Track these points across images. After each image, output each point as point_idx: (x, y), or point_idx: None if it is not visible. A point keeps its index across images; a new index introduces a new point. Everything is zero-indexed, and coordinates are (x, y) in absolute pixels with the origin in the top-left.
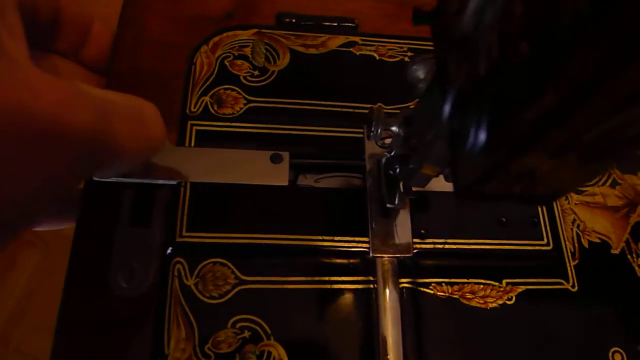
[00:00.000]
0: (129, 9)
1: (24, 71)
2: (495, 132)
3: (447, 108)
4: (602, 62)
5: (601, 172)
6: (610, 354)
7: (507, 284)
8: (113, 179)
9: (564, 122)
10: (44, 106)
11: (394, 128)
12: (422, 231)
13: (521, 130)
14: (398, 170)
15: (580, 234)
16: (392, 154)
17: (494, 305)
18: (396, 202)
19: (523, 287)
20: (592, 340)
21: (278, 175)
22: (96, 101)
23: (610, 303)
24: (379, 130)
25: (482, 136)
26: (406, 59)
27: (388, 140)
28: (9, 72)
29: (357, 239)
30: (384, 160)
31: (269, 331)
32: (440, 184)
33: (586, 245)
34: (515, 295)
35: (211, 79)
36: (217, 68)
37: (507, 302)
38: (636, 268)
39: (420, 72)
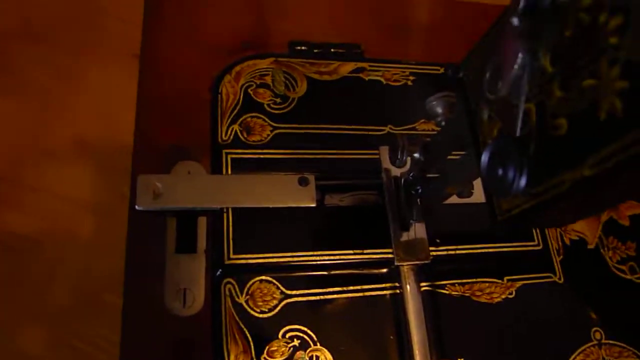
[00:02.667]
0: (148, 43)
1: None
2: (533, 184)
3: (485, 158)
4: (635, 154)
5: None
6: (592, 333)
7: (508, 280)
8: (157, 208)
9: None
10: None
11: (415, 155)
12: (437, 240)
13: (555, 188)
14: (420, 190)
15: (563, 233)
16: (411, 175)
17: (499, 299)
18: (415, 217)
19: (520, 283)
20: (577, 322)
21: (306, 197)
22: None
23: (589, 291)
24: (404, 157)
25: (523, 181)
26: (409, 82)
27: (407, 159)
28: None
29: (382, 250)
30: (402, 180)
31: (315, 338)
32: (451, 198)
33: (568, 242)
34: (515, 290)
35: (238, 107)
36: (242, 97)
37: (509, 296)
38: (607, 259)
39: (438, 109)
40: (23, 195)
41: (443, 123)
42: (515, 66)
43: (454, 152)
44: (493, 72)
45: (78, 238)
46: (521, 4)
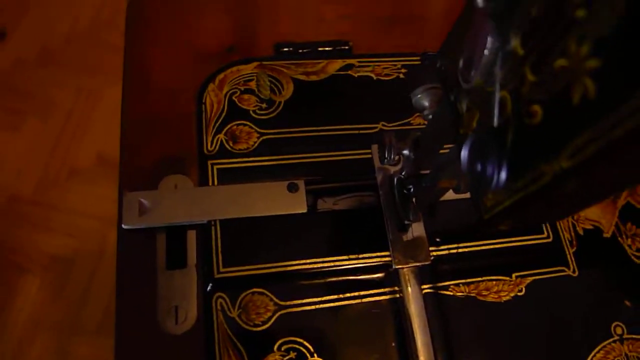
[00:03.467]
0: (131, 59)
1: None
2: (514, 178)
3: (464, 154)
4: (614, 141)
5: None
6: (612, 329)
7: (517, 277)
8: (143, 225)
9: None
10: None
11: (405, 152)
12: (437, 239)
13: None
14: (412, 189)
15: (575, 223)
16: (403, 173)
17: (507, 298)
18: (411, 217)
19: (531, 279)
20: (596, 318)
21: (297, 204)
22: None
23: (607, 283)
24: (392, 156)
25: (503, 176)
26: (401, 75)
27: (397, 157)
28: None
29: (379, 254)
30: (395, 180)
31: (312, 349)
32: (448, 194)
33: (581, 232)
34: (525, 287)
35: (222, 116)
36: (226, 105)
37: (518, 294)
38: (626, 248)
39: (425, 101)
40: (52, 216)
41: (430, 116)
42: (486, 51)
43: (446, 146)
44: (465, 59)
45: (108, 254)
46: None
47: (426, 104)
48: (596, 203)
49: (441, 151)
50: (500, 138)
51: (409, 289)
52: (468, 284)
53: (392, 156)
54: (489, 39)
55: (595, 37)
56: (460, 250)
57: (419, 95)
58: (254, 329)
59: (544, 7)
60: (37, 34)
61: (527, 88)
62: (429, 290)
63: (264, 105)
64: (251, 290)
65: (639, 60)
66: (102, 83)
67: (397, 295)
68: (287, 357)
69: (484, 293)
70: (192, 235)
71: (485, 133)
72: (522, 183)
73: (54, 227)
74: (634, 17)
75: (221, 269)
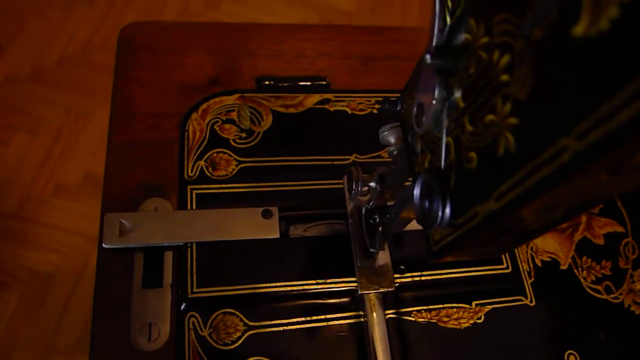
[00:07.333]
0: (120, 85)
1: None
2: (456, 216)
3: (416, 192)
4: (529, 189)
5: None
6: (565, 356)
7: (477, 305)
8: (123, 245)
9: (505, 221)
10: None
11: (371, 184)
12: (402, 267)
13: (473, 222)
14: (377, 219)
15: (534, 255)
16: (371, 204)
17: (467, 325)
18: (377, 245)
19: (490, 307)
20: (551, 346)
21: (269, 229)
22: None
23: (563, 312)
24: (359, 187)
25: (447, 213)
26: (374, 111)
27: (365, 189)
28: None
29: (345, 279)
30: (363, 210)
31: None
32: (413, 224)
33: (539, 264)
34: (484, 314)
35: (204, 144)
36: (208, 133)
37: (477, 321)
38: (582, 280)
39: (391, 138)
40: (35, 231)
41: (395, 152)
42: (434, 101)
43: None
44: (418, 106)
45: (89, 271)
46: (433, 42)
47: (392, 140)
48: (533, 239)
49: (406, 184)
50: (446, 179)
51: (373, 314)
52: (430, 310)
53: (359, 188)
54: (437, 90)
55: (514, 98)
56: (423, 278)
57: (385, 132)
58: (224, 347)
59: (478, 68)
60: (31, 52)
61: (466, 136)
62: (392, 316)
63: (243, 135)
64: (222, 310)
65: (546, 122)
66: (92, 104)
67: (362, 320)
68: None
69: (444, 320)
70: (169, 256)
71: (433, 174)
72: (461, 220)
73: (36, 242)
74: (543, 87)
75: (195, 289)
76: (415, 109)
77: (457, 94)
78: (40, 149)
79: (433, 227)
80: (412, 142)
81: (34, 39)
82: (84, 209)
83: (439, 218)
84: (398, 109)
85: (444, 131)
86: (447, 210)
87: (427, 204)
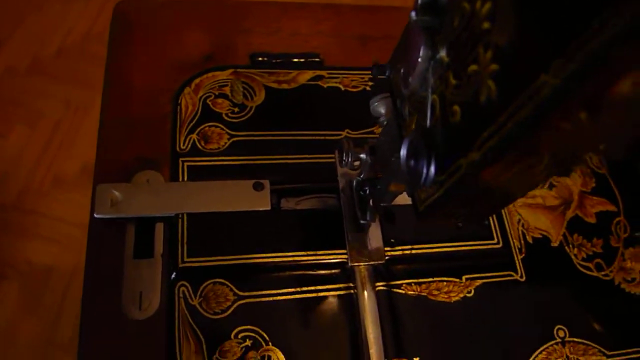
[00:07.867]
0: (114, 60)
1: None
2: (440, 172)
3: (403, 152)
4: (509, 132)
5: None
6: (555, 331)
7: (467, 279)
8: (114, 215)
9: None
10: None
11: (362, 156)
12: (392, 240)
13: (458, 173)
14: (368, 191)
15: (525, 231)
16: (362, 177)
17: (457, 298)
18: (368, 217)
19: (480, 282)
20: (540, 321)
21: (261, 201)
22: None
23: (553, 288)
24: (350, 159)
25: (432, 171)
26: (368, 88)
27: (357, 163)
28: None
29: (336, 251)
30: (354, 182)
31: (268, 338)
32: (404, 199)
33: (530, 241)
34: (474, 289)
35: (196, 117)
36: (200, 107)
37: (467, 295)
38: (572, 257)
39: (381, 109)
40: (34, 222)
41: (385, 122)
42: (419, 60)
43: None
44: (405, 67)
45: None
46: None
47: (382, 111)
48: (509, 203)
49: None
50: (431, 138)
51: (364, 286)
52: (420, 283)
53: (350, 159)
54: (422, 49)
55: (495, 45)
56: (413, 251)
57: (376, 103)
58: (213, 316)
59: (461, 20)
60: (30, 44)
61: (450, 90)
62: (382, 288)
63: (236, 110)
64: (212, 280)
65: (525, 64)
66: (91, 96)
67: (352, 292)
68: (243, 345)
69: (434, 293)
70: (160, 227)
71: (419, 133)
72: (445, 176)
73: (35, 234)
74: (522, 30)
75: (185, 259)
76: (402, 71)
77: (442, 53)
78: (39, 141)
79: (419, 187)
80: (400, 107)
81: (32, 32)
82: (82, 201)
83: (423, 175)
84: (387, 74)
85: (430, 90)
86: (432, 167)
87: (412, 163)
